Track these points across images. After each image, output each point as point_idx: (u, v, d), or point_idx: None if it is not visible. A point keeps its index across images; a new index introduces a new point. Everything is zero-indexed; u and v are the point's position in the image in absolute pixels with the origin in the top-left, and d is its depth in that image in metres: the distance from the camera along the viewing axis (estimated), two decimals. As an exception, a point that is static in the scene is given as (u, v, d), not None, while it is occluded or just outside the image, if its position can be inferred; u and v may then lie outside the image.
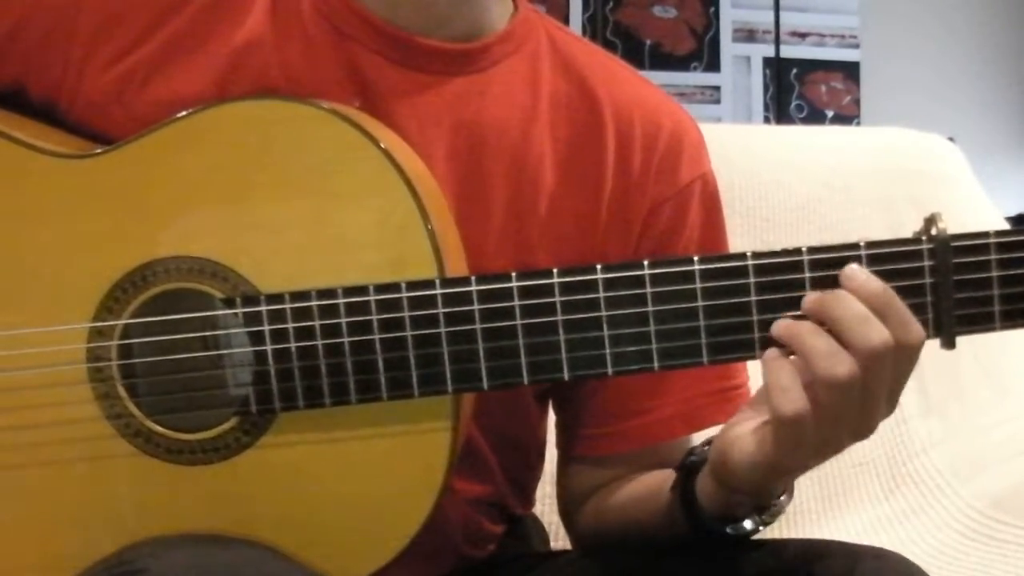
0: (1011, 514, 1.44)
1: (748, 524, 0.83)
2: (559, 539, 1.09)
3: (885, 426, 1.63)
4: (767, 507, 0.83)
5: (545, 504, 1.09)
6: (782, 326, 0.73)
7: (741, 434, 0.77)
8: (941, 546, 1.43)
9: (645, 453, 0.95)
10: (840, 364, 0.70)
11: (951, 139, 1.91)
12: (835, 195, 1.68)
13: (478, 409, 0.85)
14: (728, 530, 0.83)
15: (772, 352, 0.73)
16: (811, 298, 0.73)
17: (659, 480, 0.91)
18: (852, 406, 0.71)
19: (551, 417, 1.02)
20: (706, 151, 0.96)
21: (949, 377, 1.62)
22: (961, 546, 1.42)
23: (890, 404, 0.74)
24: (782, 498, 0.83)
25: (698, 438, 0.98)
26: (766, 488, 0.80)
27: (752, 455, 0.76)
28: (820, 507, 1.49)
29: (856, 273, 0.73)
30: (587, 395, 0.95)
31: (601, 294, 0.75)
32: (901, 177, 1.72)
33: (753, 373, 0.96)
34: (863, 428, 0.74)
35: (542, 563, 0.99)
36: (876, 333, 0.71)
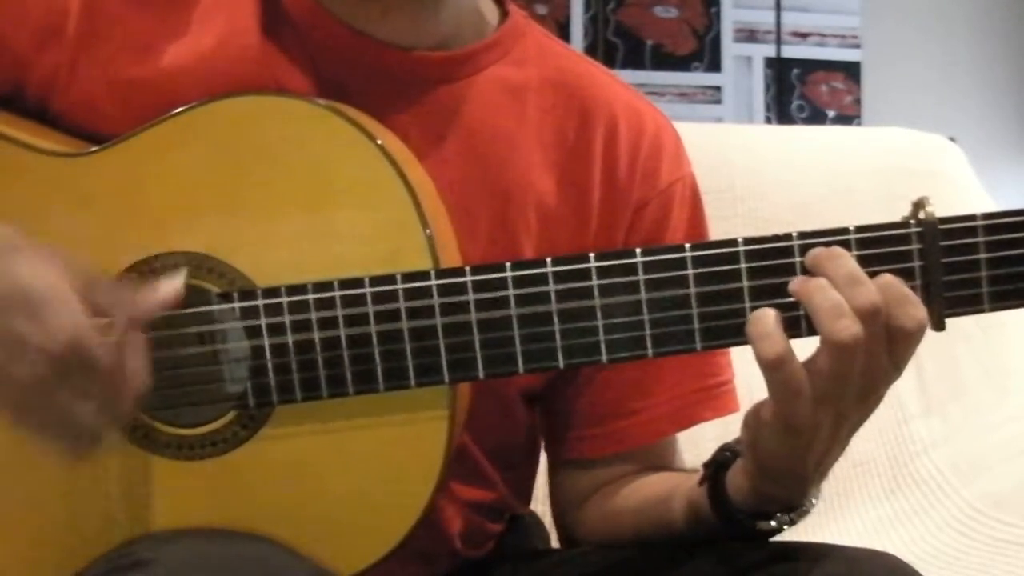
0: (1013, 514, 1.44)
1: (774, 522, 0.83)
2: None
3: (886, 426, 1.63)
4: (796, 507, 0.82)
5: (547, 504, 1.09)
6: (796, 283, 0.73)
7: (763, 408, 0.76)
8: (942, 546, 1.43)
9: (636, 453, 0.96)
10: (847, 326, 0.70)
11: (952, 139, 1.90)
12: (836, 195, 1.68)
13: (468, 417, 0.85)
14: (759, 525, 0.82)
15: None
16: (808, 260, 0.74)
17: (675, 482, 0.91)
18: (856, 370, 0.71)
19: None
20: (685, 153, 0.98)
21: (950, 377, 1.62)
22: (962, 546, 1.42)
23: (894, 364, 0.73)
24: (813, 500, 0.83)
25: (685, 436, 0.98)
26: (793, 471, 0.79)
27: (776, 426, 0.75)
28: (821, 507, 1.47)
29: (819, 251, 0.73)
30: (575, 398, 0.95)
31: (595, 282, 0.75)
32: (902, 177, 1.71)
33: (739, 371, 0.97)
34: (869, 393, 0.73)
35: (544, 559, 0.99)
36: (867, 291, 0.71)
